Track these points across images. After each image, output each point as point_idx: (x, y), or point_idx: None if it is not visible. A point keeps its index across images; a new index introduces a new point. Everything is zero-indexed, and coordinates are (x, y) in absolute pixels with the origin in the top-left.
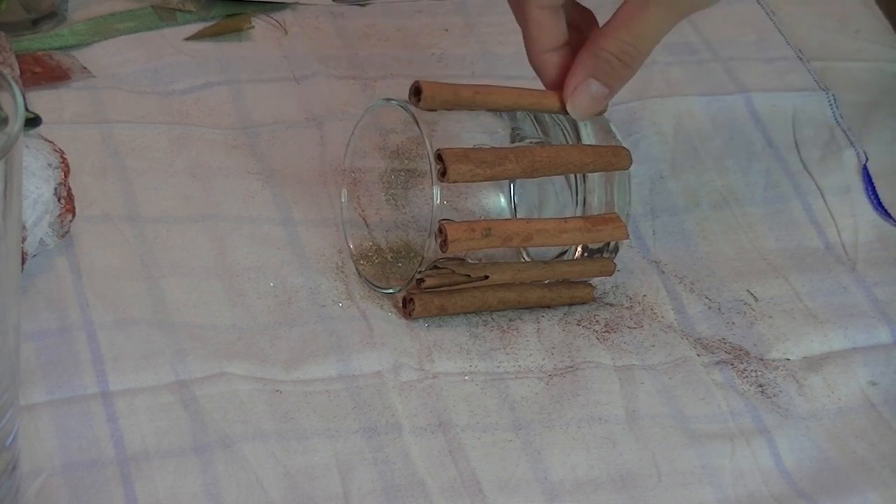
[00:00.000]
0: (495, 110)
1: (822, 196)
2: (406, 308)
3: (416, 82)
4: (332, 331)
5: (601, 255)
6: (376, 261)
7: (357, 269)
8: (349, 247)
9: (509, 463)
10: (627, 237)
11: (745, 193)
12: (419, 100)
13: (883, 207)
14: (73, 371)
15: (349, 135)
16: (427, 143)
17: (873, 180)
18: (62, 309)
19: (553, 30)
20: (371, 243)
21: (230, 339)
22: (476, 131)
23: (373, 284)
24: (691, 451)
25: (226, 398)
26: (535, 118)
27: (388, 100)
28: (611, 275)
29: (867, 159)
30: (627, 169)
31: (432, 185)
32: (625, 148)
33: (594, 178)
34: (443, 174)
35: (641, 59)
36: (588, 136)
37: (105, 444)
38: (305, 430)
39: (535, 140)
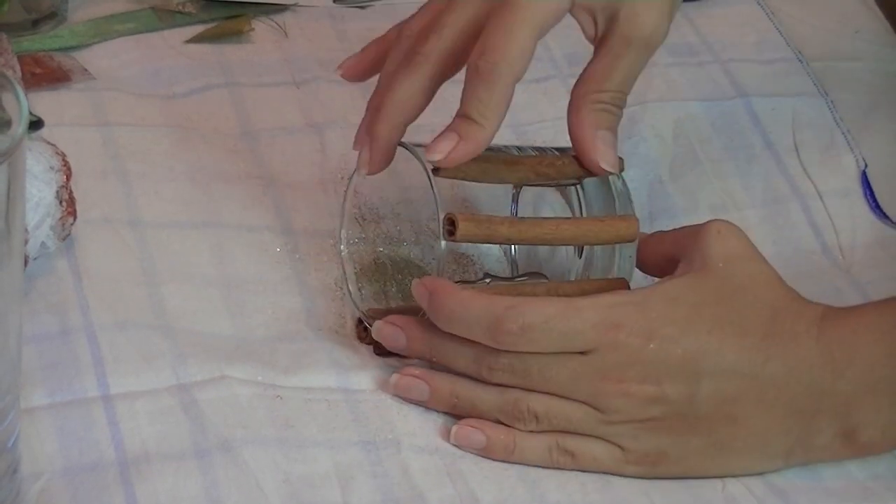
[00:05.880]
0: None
1: (821, 199)
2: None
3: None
4: (330, 350)
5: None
6: (376, 280)
7: (359, 290)
8: (354, 270)
9: (506, 486)
10: (636, 238)
11: (743, 196)
12: (453, 234)
13: (881, 210)
14: (73, 374)
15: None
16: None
17: (872, 184)
18: (63, 312)
19: None
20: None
21: (230, 347)
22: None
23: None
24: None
25: (226, 402)
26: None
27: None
28: (633, 239)
29: (866, 165)
30: (634, 241)
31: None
32: (634, 217)
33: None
34: (451, 233)
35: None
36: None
37: (106, 447)
38: (305, 439)
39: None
